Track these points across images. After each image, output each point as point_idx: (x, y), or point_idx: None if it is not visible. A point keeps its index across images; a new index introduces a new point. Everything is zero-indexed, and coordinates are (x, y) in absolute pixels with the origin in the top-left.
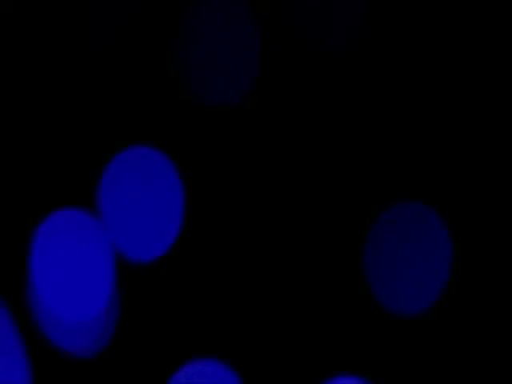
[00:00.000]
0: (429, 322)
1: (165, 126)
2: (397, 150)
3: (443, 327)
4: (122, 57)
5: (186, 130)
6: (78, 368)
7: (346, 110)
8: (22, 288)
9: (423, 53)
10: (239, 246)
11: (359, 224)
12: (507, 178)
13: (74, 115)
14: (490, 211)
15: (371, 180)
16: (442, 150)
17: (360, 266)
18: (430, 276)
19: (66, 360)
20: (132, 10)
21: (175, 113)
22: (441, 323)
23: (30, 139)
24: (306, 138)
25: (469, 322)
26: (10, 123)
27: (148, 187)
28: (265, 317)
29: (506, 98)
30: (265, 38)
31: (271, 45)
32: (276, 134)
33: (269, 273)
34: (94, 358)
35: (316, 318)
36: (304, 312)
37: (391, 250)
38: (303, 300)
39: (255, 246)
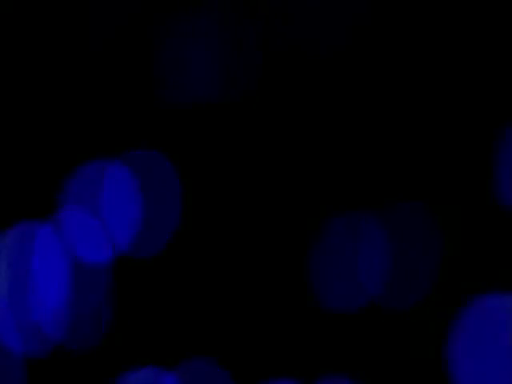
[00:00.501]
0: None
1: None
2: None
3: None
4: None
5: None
6: (30, 369)
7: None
8: None
9: (415, 55)
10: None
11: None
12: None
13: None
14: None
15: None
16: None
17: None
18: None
19: (18, 360)
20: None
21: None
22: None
23: None
24: (300, 137)
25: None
26: None
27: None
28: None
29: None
30: (262, 39)
31: (268, 46)
32: (267, 135)
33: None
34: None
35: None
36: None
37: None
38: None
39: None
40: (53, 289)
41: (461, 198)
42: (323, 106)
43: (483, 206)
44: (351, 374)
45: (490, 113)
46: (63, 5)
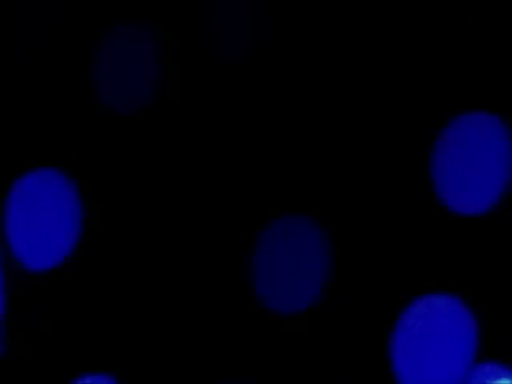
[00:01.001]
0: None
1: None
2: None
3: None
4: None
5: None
6: None
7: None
8: None
9: (331, 58)
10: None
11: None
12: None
13: None
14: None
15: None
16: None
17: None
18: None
19: None
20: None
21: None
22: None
23: None
24: (210, 146)
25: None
26: None
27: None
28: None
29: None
30: (168, 50)
31: (174, 56)
32: (177, 144)
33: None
34: None
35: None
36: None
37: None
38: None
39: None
40: None
41: (399, 199)
42: (246, 109)
43: (420, 208)
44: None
45: (426, 115)
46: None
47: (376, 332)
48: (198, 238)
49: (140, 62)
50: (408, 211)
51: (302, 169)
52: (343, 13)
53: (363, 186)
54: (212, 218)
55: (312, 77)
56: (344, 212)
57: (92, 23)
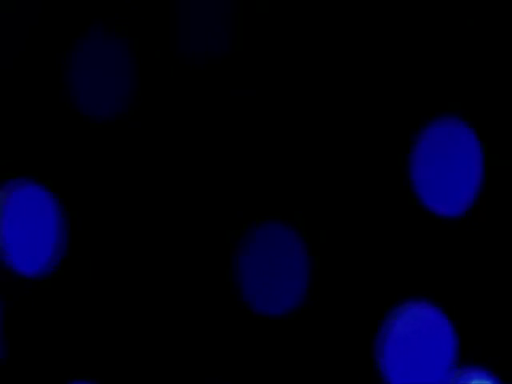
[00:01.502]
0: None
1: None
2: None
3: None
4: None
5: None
6: None
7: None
8: None
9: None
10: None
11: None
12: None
13: None
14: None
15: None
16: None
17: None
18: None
19: None
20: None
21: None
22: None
23: None
24: (194, 150)
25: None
26: None
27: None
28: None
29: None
30: (141, 56)
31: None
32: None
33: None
34: None
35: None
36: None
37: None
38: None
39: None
40: None
41: (382, 202)
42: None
43: (401, 210)
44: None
45: (405, 115)
46: None
47: (359, 335)
48: (184, 245)
49: (113, 68)
50: (389, 214)
51: (283, 171)
52: (321, 13)
53: (344, 190)
54: (198, 222)
55: (289, 80)
56: (326, 215)
57: (65, 33)
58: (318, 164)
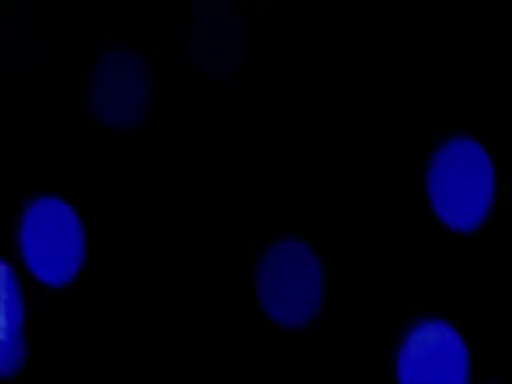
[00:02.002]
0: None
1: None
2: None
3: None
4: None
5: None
6: None
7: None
8: None
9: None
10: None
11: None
12: None
13: None
14: None
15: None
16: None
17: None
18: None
19: None
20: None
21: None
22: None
23: None
24: (210, 161)
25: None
26: None
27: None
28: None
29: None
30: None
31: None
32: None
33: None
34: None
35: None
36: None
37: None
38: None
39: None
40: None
41: (399, 217)
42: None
43: (422, 228)
44: None
45: (423, 135)
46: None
47: (373, 349)
48: (203, 260)
49: (130, 81)
50: (405, 227)
51: (296, 185)
52: (339, 31)
53: (362, 205)
54: (217, 235)
55: (307, 96)
56: (343, 231)
57: (83, 49)
58: (335, 180)
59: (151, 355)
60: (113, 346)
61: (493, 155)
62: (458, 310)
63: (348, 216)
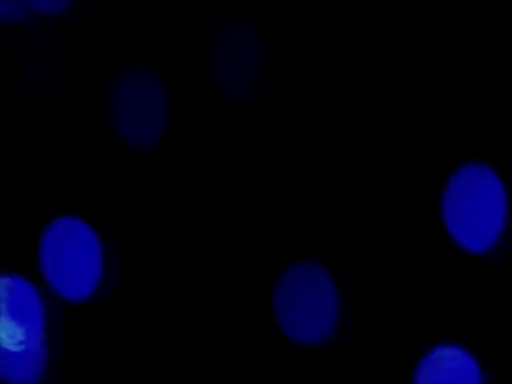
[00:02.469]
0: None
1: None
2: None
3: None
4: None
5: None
6: None
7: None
8: None
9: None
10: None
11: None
12: None
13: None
14: None
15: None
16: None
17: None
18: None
19: None
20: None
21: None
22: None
23: None
24: (228, 183)
25: None
26: None
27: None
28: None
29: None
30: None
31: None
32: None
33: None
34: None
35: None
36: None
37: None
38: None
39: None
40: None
41: (415, 240)
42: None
43: (437, 251)
44: None
45: (438, 161)
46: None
47: (385, 371)
48: (220, 279)
49: (149, 100)
50: (421, 250)
51: (313, 208)
52: (353, 53)
53: (379, 228)
54: (235, 255)
55: (323, 119)
56: (358, 253)
57: (101, 70)
58: (353, 205)
59: (170, 371)
60: (129, 361)
61: (505, 180)
62: (474, 333)
63: (364, 239)
